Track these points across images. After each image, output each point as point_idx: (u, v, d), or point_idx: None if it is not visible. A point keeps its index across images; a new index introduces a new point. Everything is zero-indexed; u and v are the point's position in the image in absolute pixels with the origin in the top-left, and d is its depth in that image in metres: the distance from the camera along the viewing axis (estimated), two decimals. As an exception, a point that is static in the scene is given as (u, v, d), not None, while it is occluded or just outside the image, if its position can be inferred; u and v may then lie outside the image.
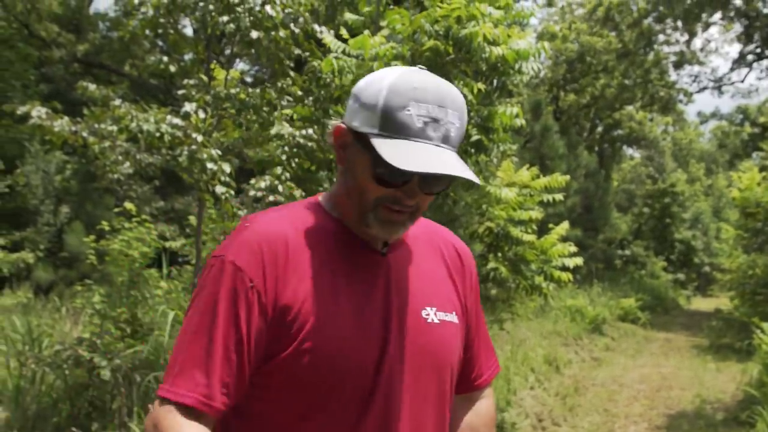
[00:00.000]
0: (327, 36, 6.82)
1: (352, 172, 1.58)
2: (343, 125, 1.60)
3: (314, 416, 1.52)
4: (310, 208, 1.67)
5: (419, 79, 1.53)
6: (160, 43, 18.77)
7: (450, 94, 1.54)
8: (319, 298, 1.52)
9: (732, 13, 30.92)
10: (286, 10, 6.57)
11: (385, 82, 1.52)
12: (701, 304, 30.08)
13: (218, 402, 1.46)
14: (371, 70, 6.71)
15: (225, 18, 6.22)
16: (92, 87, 6.15)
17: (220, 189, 5.97)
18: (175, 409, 1.45)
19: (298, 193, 6.46)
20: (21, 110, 5.84)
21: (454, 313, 1.74)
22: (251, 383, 1.52)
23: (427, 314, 1.67)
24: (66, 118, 5.84)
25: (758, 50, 31.60)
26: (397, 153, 1.45)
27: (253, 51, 6.93)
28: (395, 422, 1.57)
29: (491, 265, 7.30)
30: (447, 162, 1.47)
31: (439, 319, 1.68)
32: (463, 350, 1.81)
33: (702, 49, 38.79)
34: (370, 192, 1.55)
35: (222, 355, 1.47)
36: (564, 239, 8.11)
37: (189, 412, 1.45)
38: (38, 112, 5.72)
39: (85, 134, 5.86)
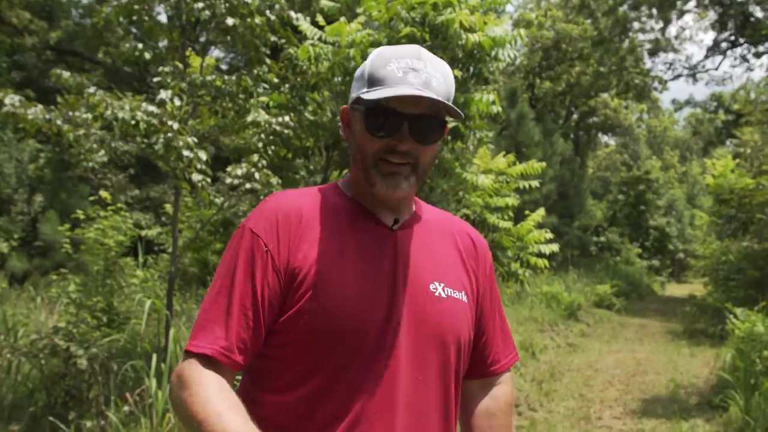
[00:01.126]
0: (303, 23, 6.80)
1: (354, 137, 1.75)
2: (345, 106, 1.81)
3: (319, 372, 1.62)
4: (329, 189, 1.83)
5: (399, 47, 1.74)
6: (135, 30, 18.60)
7: (429, 54, 1.73)
8: (327, 262, 1.65)
9: (706, 1, 31.10)
10: (262, -4, 6.53)
11: (371, 56, 1.73)
12: (675, 290, 30.40)
13: (236, 354, 1.59)
14: (347, 57, 6.71)
15: (200, 4, 6.18)
16: (66, 74, 6.09)
17: (196, 177, 5.94)
18: (196, 361, 1.57)
19: (274, 180, 6.44)
20: (-7, 98, 5.77)
21: (463, 292, 1.81)
22: (266, 341, 1.65)
23: (435, 288, 1.75)
24: (39, 106, 5.78)
25: (732, 38, 31.80)
26: (376, 95, 1.61)
27: (228, 38, 6.88)
28: (397, 384, 1.64)
29: (468, 251, 7.34)
30: (420, 93, 1.61)
31: (446, 295, 1.76)
32: (475, 334, 1.88)
33: (677, 37, 39.22)
34: (368, 147, 1.68)
35: (239, 313, 1.60)
36: (540, 226, 8.15)
37: (208, 361, 1.57)
38: (11, 99, 5.66)
39: (59, 122, 5.80)
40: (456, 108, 1.64)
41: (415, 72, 1.65)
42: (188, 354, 1.60)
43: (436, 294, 1.74)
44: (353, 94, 1.73)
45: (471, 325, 1.84)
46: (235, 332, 1.59)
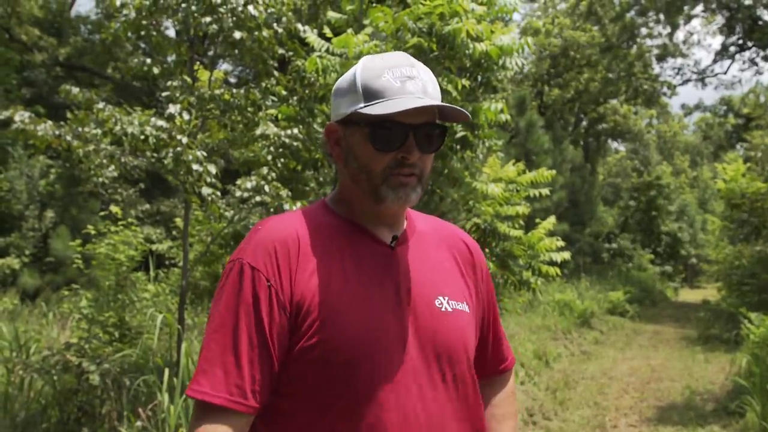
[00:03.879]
0: (310, 35, 6.80)
1: (353, 155, 1.68)
2: (332, 123, 1.73)
3: (337, 404, 1.57)
4: (317, 209, 1.77)
5: (384, 55, 1.69)
6: (143, 45, 18.67)
7: (417, 61, 1.70)
8: (332, 291, 1.59)
9: (714, 5, 31.06)
10: (269, 10, 6.54)
11: (356, 68, 1.67)
12: (689, 295, 30.24)
13: (250, 399, 1.53)
14: (355, 69, 6.69)
15: (207, 19, 6.19)
16: (75, 90, 6.11)
17: (206, 190, 5.95)
18: (208, 422, 1.52)
19: (284, 193, 6.44)
20: (3, 115, 5.81)
21: (465, 303, 1.79)
22: (278, 380, 1.59)
23: (440, 303, 1.72)
24: (49, 122, 5.80)
25: (740, 42, 31.74)
26: (384, 109, 1.56)
27: (236, 51, 6.90)
28: (415, 406, 1.61)
29: (479, 261, 7.31)
30: (430, 102, 1.59)
31: (452, 308, 1.74)
32: (481, 337, 1.89)
33: (684, 42, 38.98)
34: (375, 164, 1.63)
35: (248, 353, 1.53)
36: (551, 234, 8.13)
37: (220, 412, 1.51)
38: (21, 116, 5.69)
39: (68, 138, 5.82)
40: (461, 108, 1.64)
41: (412, 80, 1.62)
42: (199, 406, 1.54)
43: (443, 309, 1.72)
44: (345, 110, 1.66)
45: (475, 335, 1.84)
46: (246, 375, 1.53)
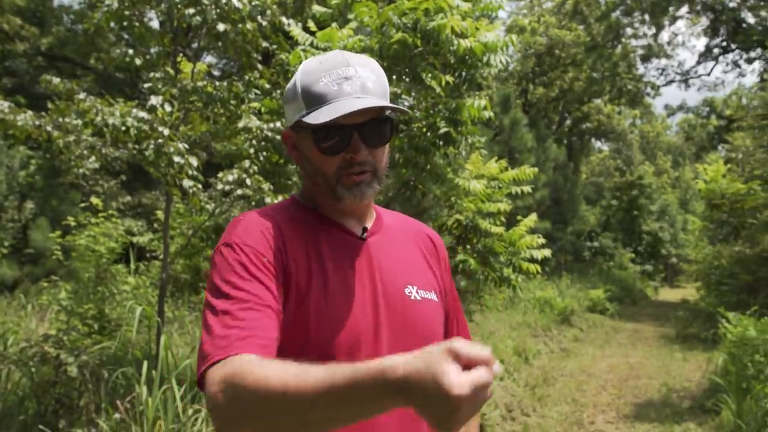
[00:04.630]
0: (295, 29, 6.78)
1: (307, 159, 1.72)
2: (287, 129, 1.78)
3: None
4: (290, 204, 1.80)
5: (322, 56, 1.71)
6: (126, 36, 18.57)
7: (354, 57, 1.70)
8: (313, 278, 1.61)
9: (698, 7, 31.21)
10: (254, 3, 6.52)
11: (297, 75, 1.71)
12: (668, 294, 30.43)
13: (265, 349, 1.44)
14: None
15: (191, 10, 6.16)
16: (56, 80, 6.06)
17: (187, 183, 5.92)
18: (232, 359, 1.38)
19: (266, 186, 6.42)
20: (-17, 104, 5.74)
21: (433, 292, 1.82)
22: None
23: (410, 292, 1.76)
24: (29, 112, 5.76)
25: (724, 44, 31.91)
26: (320, 115, 1.59)
27: (220, 44, 6.86)
28: None
29: (460, 257, 7.30)
30: (366, 103, 1.60)
31: (421, 297, 1.77)
32: (444, 331, 1.90)
33: (669, 43, 39.31)
34: (326, 167, 1.67)
35: (255, 318, 1.47)
36: (532, 231, 8.13)
37: (244, 357, 1.40)
38: (1, 106, 5.64)
39: (49, 128, 5.78)
40: (397, 105, 1.67)
41: (348, 80, 1.64)
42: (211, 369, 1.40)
43: (412, 297, 1.75)
44: (292, 118, 1.71)
45: (443, 324, 1.87)
46: (256, 335, 1.45)
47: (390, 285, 1.73)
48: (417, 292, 1.77)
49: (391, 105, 1.64)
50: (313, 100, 1.64)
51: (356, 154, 1.65)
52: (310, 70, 1.68)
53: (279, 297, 1.55)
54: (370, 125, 1.66)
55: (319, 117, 1.60)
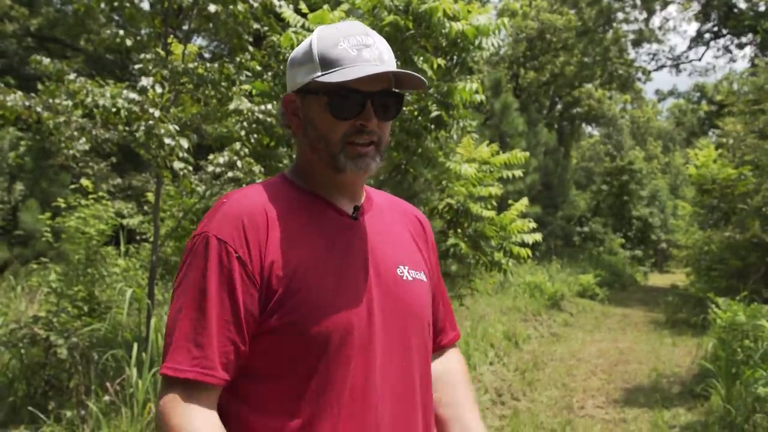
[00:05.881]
0: (286, 10, 6.75)
1: (312, 124, 1.68)
2: (289, 94, 1.74)
3: (307, 374, 1.56)
4: (279, 182, 1.75)
5: (339, 24, 1.70)
6: (116, 17, 18.46)
7: (370, 29, 1.71)
8: (302, 262, 1.59)
9: (690, -8, 31.21)
10: (245, -16, 6.47)
11: (311, 38, 1.68)
12: (658, 280, 30.56)
13: (220, 371, 1.51)
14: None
15: (182, -9, 6.12)
16: (46, 61, 6.02)
17: (178, 165, 5.90)
18: (178, 395, 1.49)
19: (257, 168, 6.40)
20: (-28, 85, 5.70)
21: (422, 272, 1.82)
22: (250, 353, 1.57)
23: (402, 272, 1.76)
24: (19, 93, 5.72)
25: (715, 29, 31.95)
26: (342, 76, 1.58)
27: (211, 25, 6.82)
28: (386, 374, 1.64)
29: (451, 241, 7.31)
30: (388, 68, 1.62)
31: (412, 277, 1.77)
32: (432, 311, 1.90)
33: (660, 28, 39.42)
34: (334, 132, 1.65)
35: (219, 326, 1.52)
36: (523, 216, 8.15)
37: (191, 386, 1.49)
38: (-10, 86, 5.59)
39: (39, 109, 5.75)
40: (418, 75, 1.66)
41: (368, 48, 1.64)
42: (167, 381, 1.51)
43: (404, 278, 1.75)
44: (302, 79, 1.68)
45: (431, 304, 1.87)
46: (216, 347, 1.51)
47: (382, 265, 1.72)
48: (408, 272, 1.77)
49: (414, 73, 1.64)
50: (331, 62, 1.62)
51: (368, 122, 1.63)
52: (328, 34, 1.66)
53: (249, 302, 1.55)
54: (383, 96, 1.65)
55: (337, 77, 1.58)
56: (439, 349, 1.97)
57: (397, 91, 1.70)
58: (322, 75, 1.61)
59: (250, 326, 1.55)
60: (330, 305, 1.58)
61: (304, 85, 1.67)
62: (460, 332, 2.08)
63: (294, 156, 1.91)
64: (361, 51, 1.62)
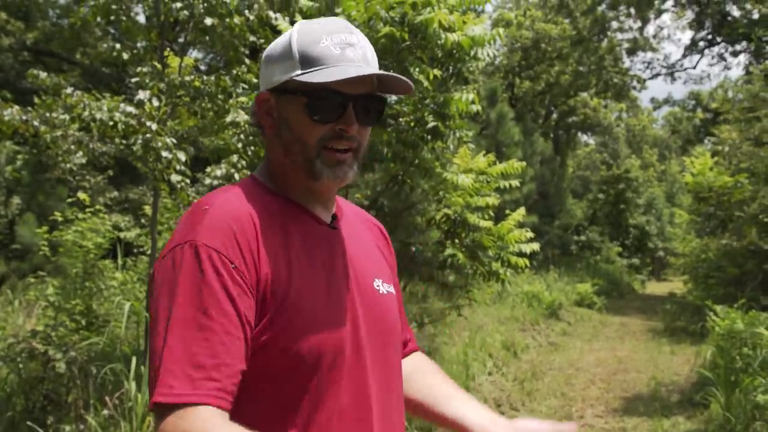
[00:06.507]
0: (282, 23, 6.76)
1: (287, 125, 1.56)
2: (263, 92, 1.61)
3: (297, 394, 1.44)
4: (252, 186, 1.60)
5: (321, 20, 1.58)
6: (112, 30, 18.49)
7: (353, 26, 1.59)
8: (293, 276, 1.47)
9: (684, 0, 31.33)
10: (240, -4, 6.50)
11: (292, 33, 1.56)
12: (655, 288, 30.57)
13: (231, 394, 1.33)
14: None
15: (178, 4, 6.15)
16: (43, 75, 6.04)
17: (175, 178, 5.91)
18: (182, 415, 1.27)
19: (254, 181, 6.40)
20: (-31, 99, 5.71)
21: (392, 284, 1.75)
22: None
23: (378, 285, 1.68)
24: (16, 107, 5.74)
25: (709, 37, 32.05)
26: (324, 77, 1.47)
27: (207, 38, 6.85)
28: (375, 392, 1.56)
29: (449, 251, 7.30)
30: (373, 70, 1.52)
31: (386, 290, 1.70)
32: None
33: (655, 36, 39.39)
34: (311, 135, 1.54)
35: (223, 345, 1.33)
36: (520, 225, 8.15)
37: (200, 412, 1.28)
38: (-13, 101, 5.60)
39: (36, 123, 5.77)
40: (404, 78, 1.55)
41: (352, 47, 1.53)
42: (168, 411, 1.28)
43: (380, 291, 1.67)
44: (279, 77, 1.55)
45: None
46: (225, 368, 1.32)
47: (361, 278, 1.63)
48: (382, 285, 1.69)
49: (400, 76, 1.55)
50: (312, 60, 1.50)
51: (348, 127, 1.53)
52: (310, 30, 1.54)
53: (250, 315, 1.39)
54: (365, 99, 1.55)
55: (319, 77, 1.47)
56: (403, 357, 1.88)
57: (380, 95, 1.60)
58: (302, 74, 1.50)
59: (249, 343, 1.39)
60: (321, 324, 1.47)
61: (281, 84, 1.55)
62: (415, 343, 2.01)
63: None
64: (344, 50, 1.51)
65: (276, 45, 1.59)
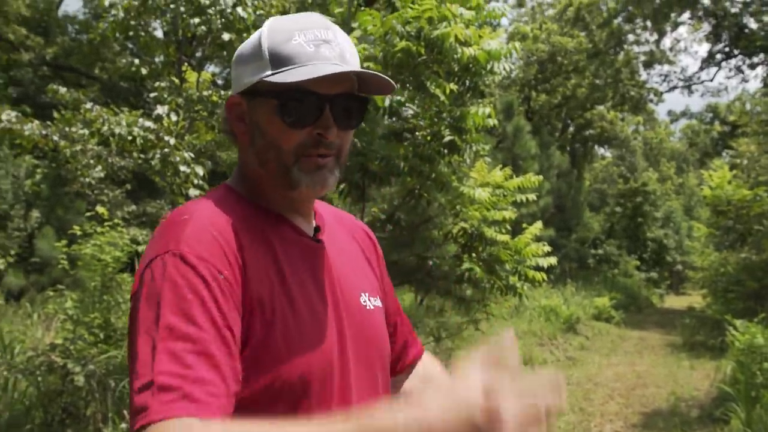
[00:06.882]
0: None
1: (260, 130, 1.43)
2: (234, 96, 1.47)
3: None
4: (226, 195, 1.47)
5: (295, 15, 1.46)
6: (131, 45, 18.63)
7: (330, 22, 1.47)
8: (277, 296, 1.34)
9: (700, 13, 31.24)
10: (258, 12, 6.55)
11: (262, 31, 1.44)
12: (674, 302, 30.34)
13: (224, 408, 1.16)
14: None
15: (196, 20, 6.19)
16: (63, 90, 6.11)
17: (193, 192, 5.94)
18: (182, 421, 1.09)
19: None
20: (-10, 114, 5.77)
21: (378, 297, 1.62)
22: None
23: (365, 301, 1.56)
24: (36, 122, 5.80)
25: (727, 49, 31.93)
26: (297, 76, 1.34)
27: (224, 53, 6.90)
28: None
29: (466, 265, 7.29)
30: (350, 68, 1.39)
31: (373, 305, 1.58)
32: (391, 331, 1.70)
33: (671, 49, 39.35)
34: (286, 141, 1.40)
35: (221, 350, 1.19)
36: (538, 239, 8.13)
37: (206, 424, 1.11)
38: (8, 116, 5.67)
39: (55, 138, 5.82)
40: (385, 76, 1.42)
41: (328, 44, 1.40)
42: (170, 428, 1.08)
43: (367, 307, 1.55)
44: (249, 79, 1.42)
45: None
46: (221, 382, 1.16)
47: (347, 294, 1.51)
48: (369, 300, 1.57)
49: (381, 75, 1.42)
50: (283, 59, 1.37)
51: (326, 131, 1.40)
52: (281, 27, 1.41)
53: (240, 331, 1.25)
54: (344, 100, 1.42)
55: (289, 77, 1.34)
56: (406, 368, 1.78)
57: (360, 95, 1.47)
58: (273, 74, 1.37)
59: (238, 359, 1.24)
60: (309, 346, 1.35)
61: (252, 86, 1.42)
62: (422, 347, 1.85)
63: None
64: (319, 47, 1.38)
65: (246, 45, 1.47)
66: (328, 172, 1.42)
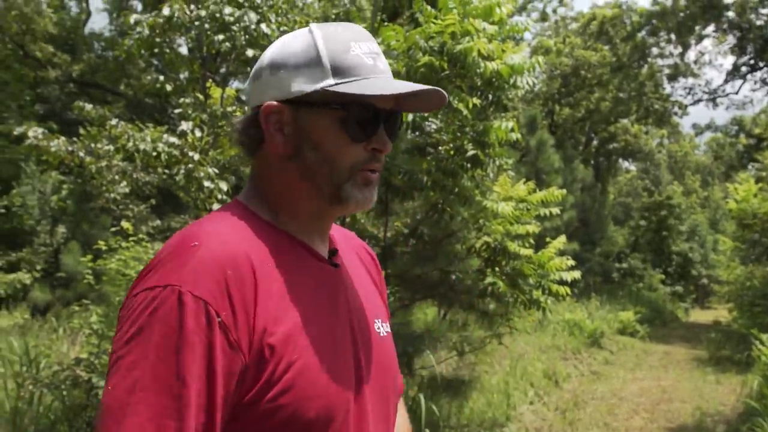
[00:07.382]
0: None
1: (312, 142, 1.35)
2: (272, 103, 1.35)
3: None
4: (244, 215, 1.36)
5: (338, 24, 1.39)
6: (156, 62, 18.84)
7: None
8: (297, 329, 1.27)
9: (725, 26, 31.12)
10: (282, 28, 6.59)
11: (313, 36, 1.35)
12: (699, 316, 30.07)
13: None
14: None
15: (220, 37, 6.25)
16: (89, 107, 6.18)
17: (216, 207, 5.97)
18: None
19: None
20: (17, 131, 5.86)
21: (388, 323, 1.58)
22: None
23: (378, 328, 1.50)
24: (62, 138, 5.87)
25: (752, 62, 31.75)
26: (371, 88, 1.30)
27: (248, 69, 6.94)
28: None
29: (489, 279, 7.28)
30: (417, 86, 1.34)
31: (385, 332, 1.52)
32: None
33: (696, 62, 39.14)
34: (346, 156, 1.34)
35: (196, 419, 1.13)
36: (561, 253, 8.10)
37: None
38: (34, 132, 5.75)
39: (81, 154, 5.89)
40: (442, 90, 1.37)
41: (380, 57, 1.37)
42: None
43: (381, 334, 1.50)
44: (301, 87, 1.33)
45: None
46: None
47: (363, 322, 1.45)
48: (382, 326, 1.51)
49: (440, 90, 1.36)
50: (345, 70, 1.31)
51: (384, 147, 1.36)
52: (336, 36, 1.35)
53: (232, 383, 1.17)
54: (394, 116, 1.39)
55: (365, 89, 1.30)
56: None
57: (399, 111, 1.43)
58: (338, 84, 1.30)
59: (224, 415, 1.18)
60: (330, 381, 1.28)
61: (304, 95, 1.32)
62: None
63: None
64: (375, 60, 1.34)
65: (290, 48, 1.36)
66: (374, 188, 1.39)
